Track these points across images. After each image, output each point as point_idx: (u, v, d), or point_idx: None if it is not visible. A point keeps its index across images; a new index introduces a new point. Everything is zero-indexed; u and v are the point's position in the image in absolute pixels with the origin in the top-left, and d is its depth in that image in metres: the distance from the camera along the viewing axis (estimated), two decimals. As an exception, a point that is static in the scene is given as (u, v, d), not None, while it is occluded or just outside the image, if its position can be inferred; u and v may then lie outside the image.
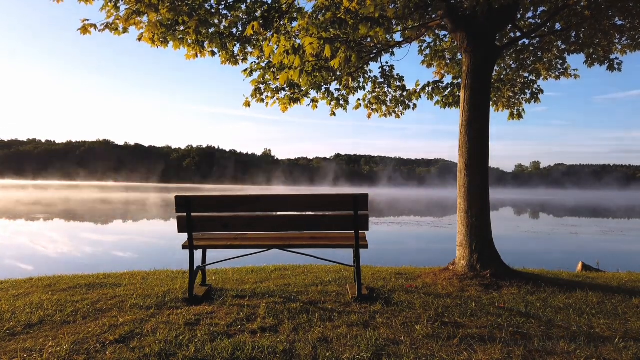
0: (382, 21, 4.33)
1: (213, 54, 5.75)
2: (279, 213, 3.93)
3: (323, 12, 5.42)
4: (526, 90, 6.96)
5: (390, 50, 6.45)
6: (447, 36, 6.66)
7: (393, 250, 12.72)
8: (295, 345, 2.77)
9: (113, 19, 5.01)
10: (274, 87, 6.45)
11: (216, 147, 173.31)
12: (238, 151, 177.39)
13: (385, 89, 7.18)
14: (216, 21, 5.53)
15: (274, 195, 3.89)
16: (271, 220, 3.97)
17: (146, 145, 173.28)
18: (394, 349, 2.72)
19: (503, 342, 2.84)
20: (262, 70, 6.32)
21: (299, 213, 3.99)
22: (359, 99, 7.27)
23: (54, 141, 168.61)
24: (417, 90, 7.09)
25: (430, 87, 6.99)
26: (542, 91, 6.94)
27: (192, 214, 3.80)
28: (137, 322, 3.19)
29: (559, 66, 6.67)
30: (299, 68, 5.46)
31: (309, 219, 4.02)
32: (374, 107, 7.35)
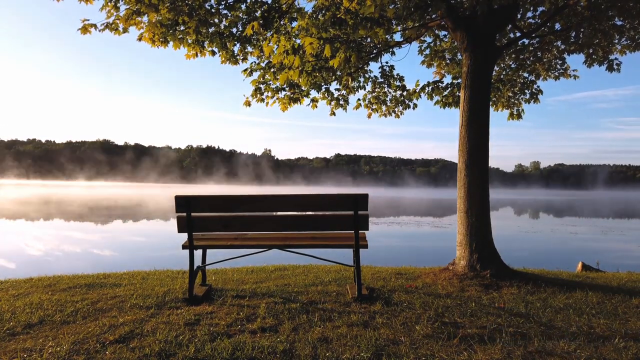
0: (381, 21, 4.34)
1: (213, 53, 5.76)
2: (279, 213, 3.93)
3: (323, 12, 5.42)
4: (526, 91, 6.97)
5: (390, 50, 6.45)
6: (447, 36, 6.66)
7: (393, 250, 12.72)
8: (295, 345, 2.77)
9: (113, 19, 5.02)
10: (274, 87, 6.45)
11: (216, 147, 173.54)
12: (238, 151, 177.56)
13: (385, 89, 7.18)
14: (216, 21, 5.54)
15: (274, 195, 3.89)
16: (271, 220, 3.97)
17: (146, 145, 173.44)
18: (394, 349, 2.72)
19: (503, 342, 2.84)
20: (262, 70, 6.32)
21: (299, 213, 3.99)
22: (359, 99, 7.27)
23: (54, 141, 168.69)
24: (417, 90, 7.09)
25: (430, 87, 6.98)
26: (541, 91, 6.95)
27: (192, 214, 3.80)
28: (137, 322, 3.19)
29: (558, 66, 6.67)
30: (299, 68, 5.46)
31: (309, 218, 4.02)
32: (374, 107, 7.35)
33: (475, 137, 4.94)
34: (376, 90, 7.21)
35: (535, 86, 6.93)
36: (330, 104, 6.90)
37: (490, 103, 5.99)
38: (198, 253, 4.14)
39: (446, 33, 6.53)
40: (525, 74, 6.88)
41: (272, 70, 6.23)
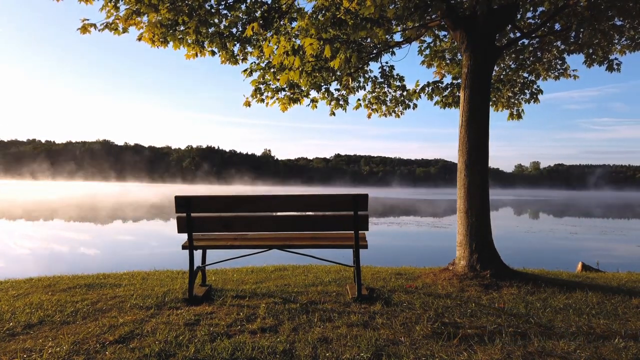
0: (381, 22, 4.33)
1: (213, 53, 5.76)
2: (279, 213, 3.93)
3: (323, 12, 5.42)
4: (525, 91, 6.97)
5: (390, 51, 6.45)
6: (447, 36, 6.66)
7: (393, 250, 12.71)
8: (295, 345, 2.77)
9: (113, 19, 5.01)
10: (273, 87, 6.45)
11: (216, 147, 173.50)
12: (238, 151, 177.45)
13: (385, 89, 7.19)
14: (216, 21, 5.53)
15: (274, 196, 3.89)
16: (271, 220, 3.97)
17: (146, 145, 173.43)
18: (394, 349, 2.72)
19: (503, 343, 2.84)
20: (262, 71, 6.32)
21: (299, 213, 3.99)
22: (358, 99, 7.28)
23: (54, 141, 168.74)
24: (417, 91, 7.10)
25: (430, 87, 6.99)
26: (541, 91, 6.95)
27: (192, 214, 3.80)
28: (137, 323, 3.19)
29: (558, 66, 6.68)
30: (299, 68, 5.46)
31: (309, 219, 4.02)
32: (374, 107, 7.35)
33: (475, 137, 4.93)
34: (376, 90, 7.21)
35: (535, 86, 6.93)
36: (330, 104, 6.90)
37: (490, 103, 6.00)
38: (198, 253, 4.14)
39: (446, 33, 6.53)
40: (525, 74, 6.88)
41: (272, 70, 6.23)
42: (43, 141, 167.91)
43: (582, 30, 5.43)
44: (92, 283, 4.58)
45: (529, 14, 6.03)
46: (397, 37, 6.46)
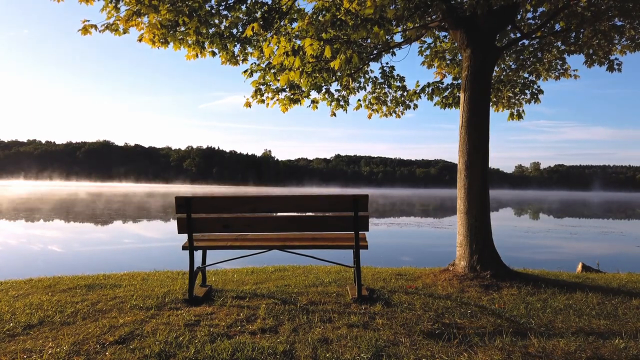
0: (382, 22, 4.33)
1: (213, 54, 5.76)
2: (279, 214, 3.93)
3: (323, 13, 5.42)
4: (526, 91, 6.96)
5: (391, 51, 6.45)
6: (447, 37, 6.66)
7: (393, 251, 12.71)
8: (295, 346, 2.77)
9: (113, 20, 5.01)
10: (274, 87, 6.45)
11: (216, 148, 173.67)
12: (238, 152, 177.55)
13: (386, 90, 7.18)
14: (216, 21, 5.54)
15: (274, 196, 3.88)
16: (271, 220, 3.97)
17: (146, 146, 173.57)
18: (394, 349, 2.72)
19: (503, 343, 2.83)
20: (262, 71, 6.32)
21: (299, 214, 3.99)
22: (359, 100, 7.28)
23: (54, 142, 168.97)
24: (417, 91, 7.10)
25: (430, 88, 6.99)
26: (542, 91, 6.94)
27: (192, 215, 3.80)
28: (137, 323, 3.19)
29: (558, 67, 6.67)
30: (300, 69, 5.46)
31: (309, 219, 4.02)
32: (375, 107, 7.35)
33: (475, 138, 4.93)
34: (376, 90, 7.21)
35: (535, 86, 6.93)
36: (330, 104, 6.90)
37: (491, 104, 6.00)
38: (198, 254, 4.14)
39: (446, 34, 6.53)
40: (526, 74, 6.87)
41: (273, 71, 6.22)
42: (43, 141, 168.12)
43: (582, 30, 5.43)
44: (92, 284, 4.58)
45: (529, 15, 6.03)
46: (398, 38, 6.46)
